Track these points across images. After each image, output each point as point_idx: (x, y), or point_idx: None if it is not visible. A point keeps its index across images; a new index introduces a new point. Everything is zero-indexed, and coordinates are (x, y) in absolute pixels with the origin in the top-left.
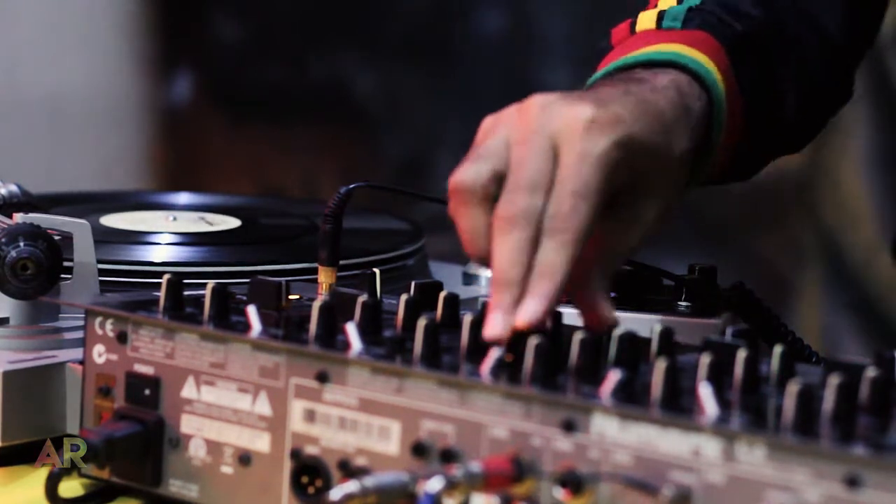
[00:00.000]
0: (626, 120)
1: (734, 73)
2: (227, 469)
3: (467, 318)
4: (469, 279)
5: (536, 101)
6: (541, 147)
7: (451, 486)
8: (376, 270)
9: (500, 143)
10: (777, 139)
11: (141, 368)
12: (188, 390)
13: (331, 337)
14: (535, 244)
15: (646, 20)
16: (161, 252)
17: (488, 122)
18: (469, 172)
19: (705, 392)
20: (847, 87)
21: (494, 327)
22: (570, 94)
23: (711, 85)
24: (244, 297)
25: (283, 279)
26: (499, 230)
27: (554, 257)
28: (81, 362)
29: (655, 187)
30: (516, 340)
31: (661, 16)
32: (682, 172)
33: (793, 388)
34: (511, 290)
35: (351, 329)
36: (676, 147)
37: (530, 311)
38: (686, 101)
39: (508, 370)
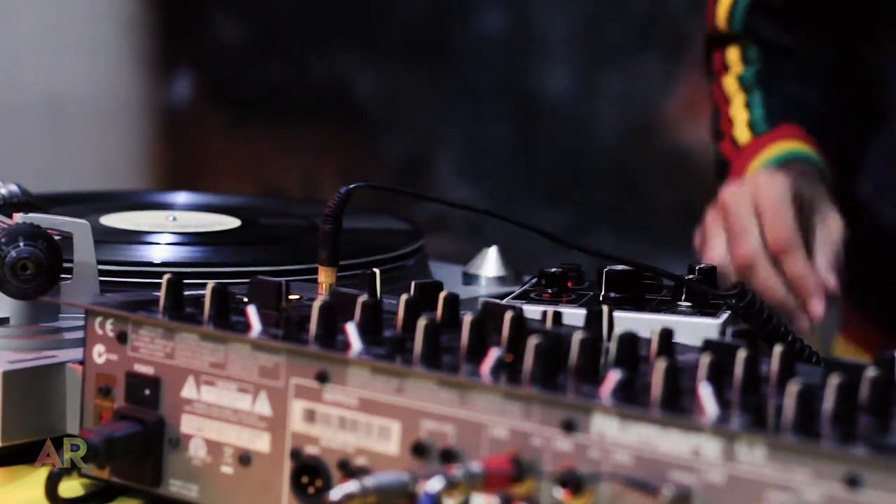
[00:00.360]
0: (791, 178)
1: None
2: (227, 469)
3: (467, 318)
4: (469, 279)
5: (727, 192)
6: (744, 206)
7: (451, 486)
8: (376, 270)
9: (716, 229)
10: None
11: (141, 368)
12: (188, 390)
13: (331, 337)
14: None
15: (741, 132)
16: (161, 252)
17: (717, 208)
18: (743, 248)
19: (705, 392)
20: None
21: (803, 320)
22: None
23: (819, 164)
24: (244, 297)
25: (283, 279)
26: (744, 272)
27: (798, 267)
28: (81, 362)
29: (824, 206)
30: (516, 340)
31: (751, 125)
32: (829, 196)
33: (793, 388)
34: (789, 302)
35: (351, 329)
36: (819, 189)
37: (814, 309)
38: (814, 171)
39: (508, 370)
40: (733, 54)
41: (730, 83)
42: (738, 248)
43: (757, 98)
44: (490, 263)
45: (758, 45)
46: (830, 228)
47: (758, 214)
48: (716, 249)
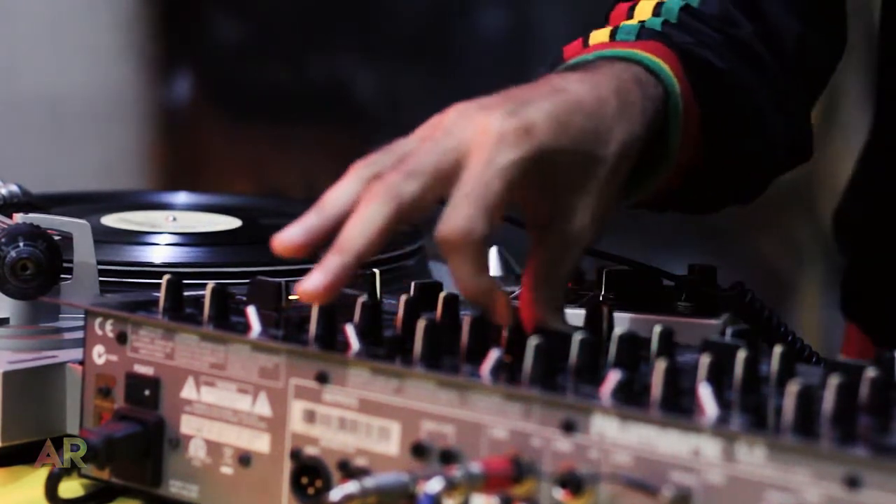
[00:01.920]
0: (543, 129)
1: (689, 81)
2: (227, 469)
3: (467, 319)
4: None
5: (455, 108)
6: (443, 146)
7: (451, 486)
8: (376, 270)
9: (411, 142)
10: (731, 172)
11: (141, 369)
12: (188, 391)
13: (331, 337)
14: (389, 223)
15: (599, 35)
16: (161, 252)
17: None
18: (370, 161)
19: (705, 392)
20: (804, 137)
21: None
22: (489, 99)
23: (666, 80)
24: (244, 298)
25: (283, 279)
26: (361, 202)
27: (462, 274)
28: (81, 362)
29: (581, 196)
30: (516, 341)
31: (614, 31)
32: (618, 173)
33: (793, 388)
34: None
35: (351, 329)
36: (613, 142)
37: (313, 283)
38: (641, 87)
39: (508, 370)
40: (645, 5)
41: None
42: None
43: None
44: (490, 263)
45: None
46: (570, 232)
47: (461, 168)
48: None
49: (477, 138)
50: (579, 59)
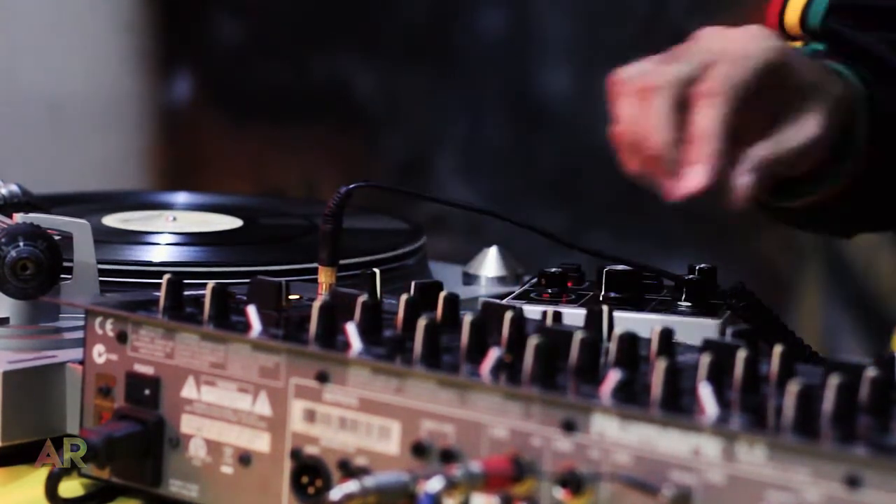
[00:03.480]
0: (785, 46)
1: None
2: (227, 469)
3: (467, 318)
4: (469, 279)
5: (706, 30)
6: (704, 47)
7: (451, 486)
8: (376, 270)
9: (668, 54)
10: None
11: (141, 368)
12: (188, 390)
13: (331, 337)
14: (680, 109)
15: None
16: (161, 252)
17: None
18: (630, 68)
19: (705, 392)
20: None
21: (675, 190)
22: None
23: (851, 79)
24: (244, 297)
25: (283, 279)
26: (642, 99)
27: (707, 119)
28: (81, 362)
29: (813, 105)
30: (516, 340)
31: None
32: (836, 115)
33: (793, 388)
34: (669, 154)
35: (351, 329)
36: (831, 88)
37: (697, 177)
38: (827, 74)
39: (508, 370)
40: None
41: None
42: (659, 70)
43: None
44: (490, 263)
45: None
46: (803, 128)
47: (715, 60)
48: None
49: (737, 35)
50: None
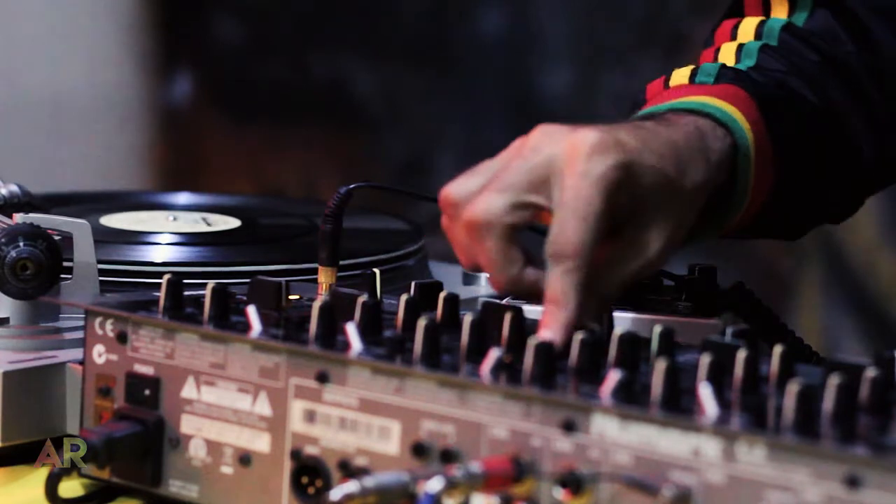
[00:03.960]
0: (631, 146)
1: (766, 127)
2: (227, 469)
3: (467, 318)
4: (469, 279)
5: (541, 128)
6: (533, 162)
7: (451, 486)
8: (376, 270)
9: (497, 162)
10: (817, 203)
11: (141, 368)
12: (188, 390)
13: (331, 337)
14: (512, 242)
15: (679, 76)
16: (161, 252)
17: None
18: (458, 186)
19: (705, 392)
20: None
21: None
22: (576, 125)
23: (736, 130)
24: (244, 297)
25: (283, 279)
26: (471, 233)
27: (562, 285)
28: (81, 362)
29: (660, 217)
30: (516, 340)
31: (694, 72)
32: (693, 207)
33: (793, 388)
34: (515, 287)
35: (351, 329)
36: (688, 179)
37: (548, 334)
38: (705, 140)
39: (508, 370)
40: (748, 24)
41: (726, 50)
42: (487, 198)
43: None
44: None
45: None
46: (642, 247)
47: (551, 177)
48: (461, 183)
49: (568, 152)
50: (651, 109)
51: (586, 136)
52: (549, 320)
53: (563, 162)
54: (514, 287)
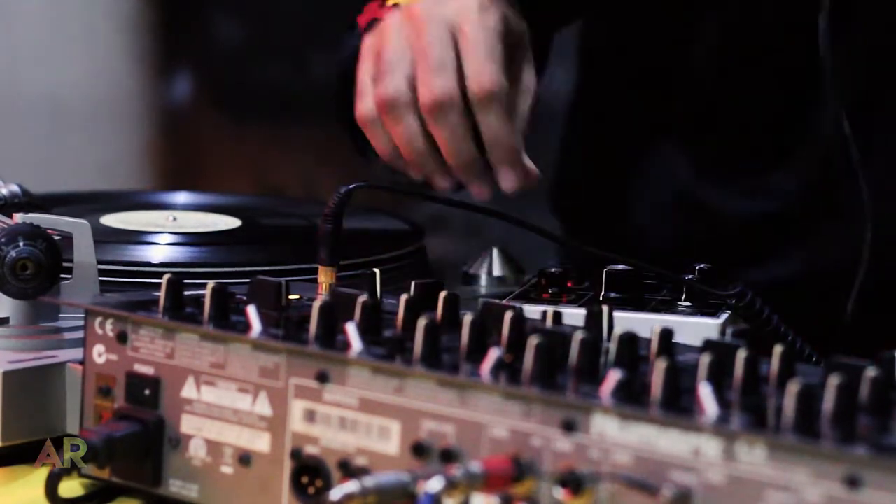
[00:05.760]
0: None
1: None
2: (227, 469)
3: (467, 318)
4: (469, 279)
5: (421, 2)
6: (439, 32)
7: (451, 486)
8: (376, 270)
9: (399, 48)
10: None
11: (141, 368)
12: (188, 390)
13: (331, 337)
14: (468, 116)
15: None
16: (161, 252)
17: (371, 40)
18: (389, 87)
19: (705, 392)
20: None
21: (483, 192)
22: None
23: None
24: (244, 297)
25: (283, 279)
26: (430, 118)
27: (501, 125)
28: (81, 362)
29: (528, 53)
30: (516, 340)
31: None
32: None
33: (793, 388)
34: (475, 167)
35: (351, 329)
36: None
37: (511, 179)
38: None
39: (508, 370)
40: None
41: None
42: (383, 85)
43: None
44: (490, 263)
45: None
46: (528, 84)
47: (460, 48)
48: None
49: (461, 12)
50: None
51: None
52: (506, 160)
53: (460, 20)
54: (471, 156)
